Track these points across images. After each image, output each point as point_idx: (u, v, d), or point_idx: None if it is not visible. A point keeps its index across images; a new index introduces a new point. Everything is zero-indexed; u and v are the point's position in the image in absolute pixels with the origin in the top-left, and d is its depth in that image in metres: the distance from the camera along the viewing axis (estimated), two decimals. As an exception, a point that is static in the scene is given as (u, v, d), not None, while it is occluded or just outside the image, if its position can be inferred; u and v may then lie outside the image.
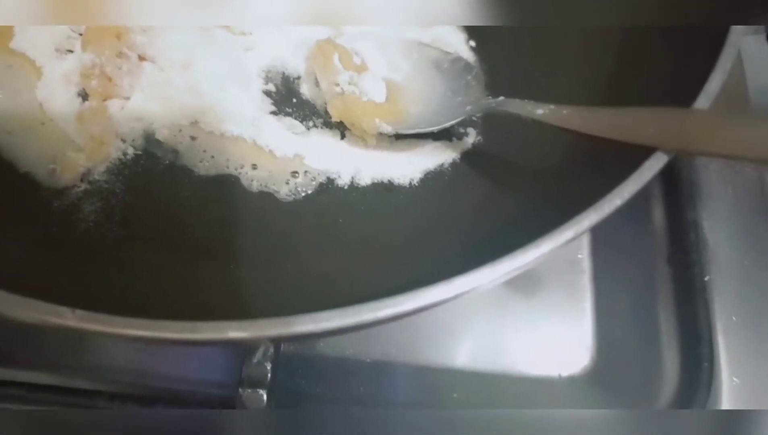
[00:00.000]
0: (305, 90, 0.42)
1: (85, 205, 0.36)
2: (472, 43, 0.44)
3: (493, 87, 0.38)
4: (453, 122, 0.38)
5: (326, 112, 0.40)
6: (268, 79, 0.41)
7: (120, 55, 0.41)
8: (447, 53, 0.41)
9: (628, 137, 0.28)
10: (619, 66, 0.36)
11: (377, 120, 0.39)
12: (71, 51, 0.41)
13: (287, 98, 0.41)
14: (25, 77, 0.39)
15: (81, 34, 0.41)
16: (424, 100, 0.40)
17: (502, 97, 0.36)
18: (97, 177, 0.37)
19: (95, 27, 0.41)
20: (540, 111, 0.33)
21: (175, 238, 0.35)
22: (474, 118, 0.41)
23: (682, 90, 0.29)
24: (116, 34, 0.42)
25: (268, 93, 0.41)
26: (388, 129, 0.39)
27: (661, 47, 0.34)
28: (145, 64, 0.41)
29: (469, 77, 0.39)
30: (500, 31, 0.42)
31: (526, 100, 0.34)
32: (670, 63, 0.33)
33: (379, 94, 0.40)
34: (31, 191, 0.37)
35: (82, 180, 0.37)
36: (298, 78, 0.42)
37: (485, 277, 0.24)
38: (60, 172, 0.37)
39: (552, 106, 0.32)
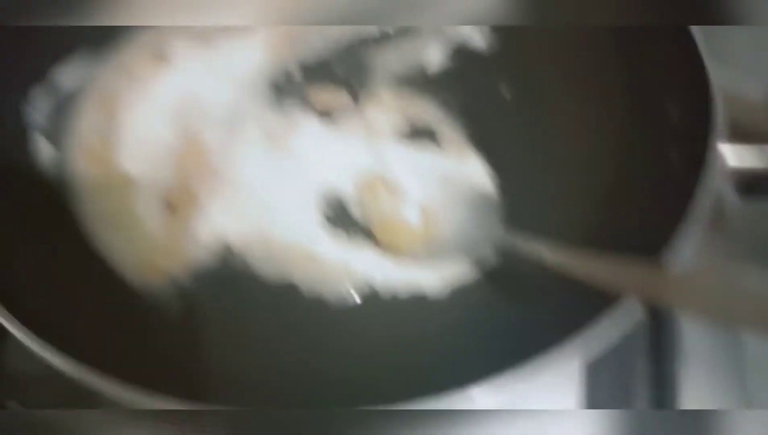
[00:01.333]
0: (354, 211, 0.49)
1: (165, 301, 0.43)
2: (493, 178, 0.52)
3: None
4: (475, 255, 0.45)
5: (371, 232, 0.48)
6: (323, 200, 0.49)
7: (200, 171, 0.50)
8: (474, 187, 0.49)
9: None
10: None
11: (413, 241, 0.47)
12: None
13: (340, 217, 0.49)
14: (123, 188, 0.48)
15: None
16: (453, 228, 0.47)
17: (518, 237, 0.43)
18: (177, 278, 0.44)
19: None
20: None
21: (242, 338, 0.42)
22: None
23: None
24: (198, 153, 0.50)
25: (323, 211, 0.49)
26: (422, 250, 0.46)
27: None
28: (221, 179, 0.49)
29: (490, 211, 0.47)
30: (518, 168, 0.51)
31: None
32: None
33: (414, 219, 0.48)
34: (118, 283, 0.44)
35: (163, 279, 0.44)
36: (348, 201, 0.50)
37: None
38: (144, 272, 0.45)
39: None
